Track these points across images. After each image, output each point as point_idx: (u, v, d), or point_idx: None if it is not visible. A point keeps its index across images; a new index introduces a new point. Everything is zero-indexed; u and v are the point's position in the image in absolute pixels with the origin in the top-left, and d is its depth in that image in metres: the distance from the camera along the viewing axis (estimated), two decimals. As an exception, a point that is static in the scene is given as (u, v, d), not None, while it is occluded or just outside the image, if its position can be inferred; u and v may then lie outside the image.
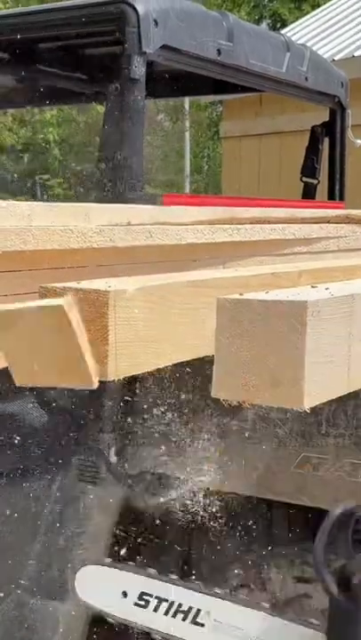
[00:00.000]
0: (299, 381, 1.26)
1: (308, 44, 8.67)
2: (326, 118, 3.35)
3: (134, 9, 2.22)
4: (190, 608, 1.47)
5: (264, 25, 21.93)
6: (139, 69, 2.24)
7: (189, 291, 1.63)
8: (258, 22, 22.11)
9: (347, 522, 1.37)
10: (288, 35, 9.40)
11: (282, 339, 1.28)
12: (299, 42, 8.82)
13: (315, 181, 3.37)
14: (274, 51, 2.82)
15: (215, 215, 2.27)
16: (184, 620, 1.47)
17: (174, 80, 3.25)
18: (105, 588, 1.62)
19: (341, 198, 3.31)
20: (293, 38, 9.12)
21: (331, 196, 3.33)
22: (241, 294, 1.40)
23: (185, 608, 1.48)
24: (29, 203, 1.66)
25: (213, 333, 1.72)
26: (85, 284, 1.47)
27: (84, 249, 1.76)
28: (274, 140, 8.29)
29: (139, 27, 2.22)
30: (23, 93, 3.37)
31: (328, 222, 2.76)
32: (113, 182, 2.25)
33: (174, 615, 1.47)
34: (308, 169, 3.36)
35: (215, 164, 19.85)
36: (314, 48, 8.42)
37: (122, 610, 1.55)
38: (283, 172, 7.75)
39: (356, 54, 7.92)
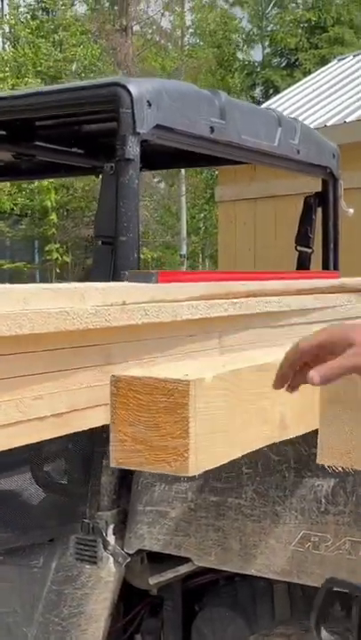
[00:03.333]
0: None
1: (301, 111, 8.88)
2: (320, 182, 3.40)
3: (128, 91, 2.27)
4: None
5: (257, 91, 22.42)
6: (133, 149, 2.28)
7: (258, 375, 1.59)
8: (251, 89, 22.63)
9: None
10: (281, 101, 9.62)
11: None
12: (291, 108, 9.00)
13: (309, 250, 3.40)
14: (266, 126, 2.88)
15: (211, 290, 2.29)
16: None
17: (169, 154, 3.31)
18: None
19: (336, 267, 3.34)
20: (286, 105, 9.34)
21: (325, 266, 3.36)
22: None
23: None
24: (25, 286, 1.68)
25: (281, 417, 1.68)
26: (159, 372, 1.42)
27: (81, 330, 1.77)
28: (269, 204, 8.40)
29: (132, 108, 2.27)
30: (25, 168, 3.44)
31: (323, 292, 2.78)
32: (108, 260, 2.28)
33: None
34: (303, 238, 3.40)
35: (212, 226, 20.07)
36: (306, 114, 8.64)
37: None
38: (278, 233, 7.85)
39: (347, 120, 8.07)
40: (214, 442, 1.40)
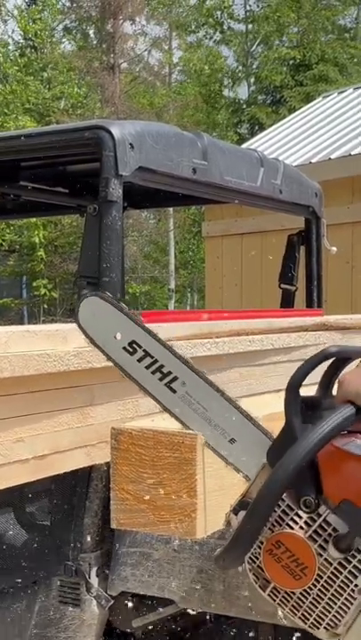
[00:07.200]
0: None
1: (286, 147, 8.96)
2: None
3: (111, 134, 2.31)
4: (170, 373, 1.41)
5: (243, 128, 22.67)
6: (116, 191, 2.30)
7: (270, 426, 1.46)
8: (237, 126, 22.87)
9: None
10: (266, 138, 9.70)
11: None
12: (277, 145, 9.06)
13: (293, 288, 3.42)
14: (248, 167, 2.92)
15: (194, 330, 2.30)
16: (160, 380, 1.42)
17: (153, 193, 3.35)
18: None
19: (320, 305, 3.36)
20: (271, 142, 9.44)
21: (309, 303, 3.38)
22: None
23: (165, 371, 1.42)
24: (7, 329, 1.69)
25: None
26: (164, 424, 1.31)
27: (63, 372, 1.78)
28: (255, 239, 8.45)
29: (115, 151, 2.30)
30: (11, 207, 3.47)
31: (306, 330, 2.80)
32: (92, 300, 2.29)
33: (154, 372, 1.42)
34: (286, 276, 3.42)
35: (199, 260, 20.21)
36: (291, 151, 8.73)
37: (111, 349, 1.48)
38: (264, 269, 7.89)
39: (332, 157, 8.16)
40: (225, 500, 1.29)
